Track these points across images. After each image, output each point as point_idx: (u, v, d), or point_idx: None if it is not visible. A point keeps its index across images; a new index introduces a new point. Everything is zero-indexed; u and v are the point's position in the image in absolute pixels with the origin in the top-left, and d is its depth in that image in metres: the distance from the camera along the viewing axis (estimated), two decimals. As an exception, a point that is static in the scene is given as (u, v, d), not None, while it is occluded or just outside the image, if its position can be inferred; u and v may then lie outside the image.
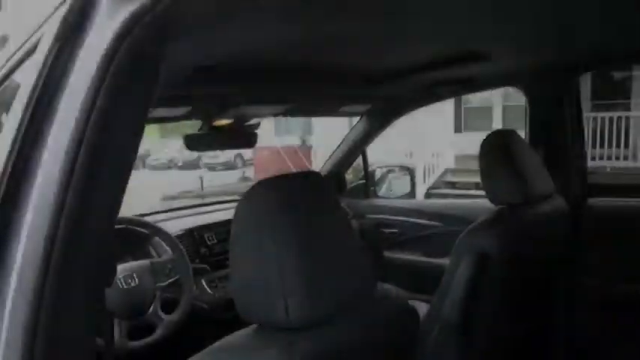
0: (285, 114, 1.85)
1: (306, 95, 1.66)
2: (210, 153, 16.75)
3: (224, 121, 1.69)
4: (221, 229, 2.04)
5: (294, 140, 13.15)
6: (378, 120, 2.21)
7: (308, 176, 0.88)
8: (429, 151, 10.08)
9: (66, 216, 0.57)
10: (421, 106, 2.12)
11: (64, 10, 0.63)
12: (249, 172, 14.27)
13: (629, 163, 8.65)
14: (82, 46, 0.61)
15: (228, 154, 17.27)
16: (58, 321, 0.58)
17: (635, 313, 1.68)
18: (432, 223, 2.27)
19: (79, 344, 0.61)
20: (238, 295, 0.80)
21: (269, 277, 0.75)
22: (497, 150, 1.45)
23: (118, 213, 0.66)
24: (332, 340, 0.79)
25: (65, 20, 0.62)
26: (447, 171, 10.28)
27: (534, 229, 1.46)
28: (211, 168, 17.12)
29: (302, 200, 0.81)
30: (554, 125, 1.79)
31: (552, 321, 1.73)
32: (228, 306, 1.91)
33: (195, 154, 16.68)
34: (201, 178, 12.22)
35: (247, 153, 15.64)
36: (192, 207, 2.45)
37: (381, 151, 5.74)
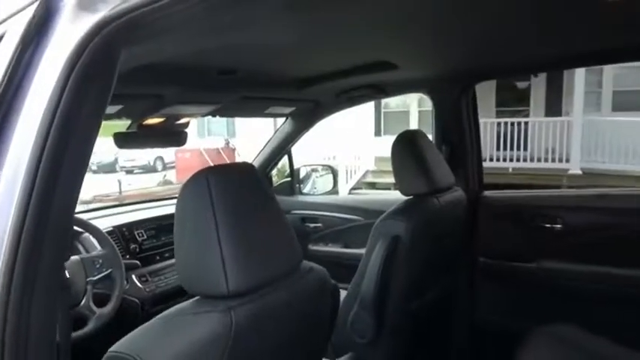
0: (215, 114, 1.94)
1: (236, 96, 1.77)
2: (127, 156, 16.06)
3: (154, 120, 1.75)
4: (151, 225, 2.08)
5: (217, 142, 13.00)
6: (303, 121, 2.37)
7: (243, 165, 1.00)
8: (350, 154, 10.51)
9: (32, 213, 0.64)
10: (341, 109, 2.31)
11: (29, 12, 0.70)
12: (171, 176, 13.86)
13: (528, 164, 9.55)
14: (46, 49, 0.69)
15: (146, 157, 16.60)
16: (25, 314, 0.65)
17: (521, 286, 1.97)
18: (353, 217, 2.47)
19: (43, 336, 0.69)
20: (183, 271, 0.91)
21: (211, 254, 0.87)
22: (407, 147, 1.66)
23: (75, 209, 0.75)
24: (265, 306, 0.92)
25: (30, 23, 0.70)
26: (367, 172, 10.77)
27: (439, 216, 1.69)
28: (129, 171, 16.38)
29: (239, 185, 0.93)
30: (455, 127, 2.05)
31: (454, 295, 1.99)
32: (158, 300, 1.97)
33: (111, 157, 15.90)
34: (119, 182, 11.70)
35: (168, 155, 15.18)
36: (113, 207, 2.45)
37: (307, 155, 5.95)
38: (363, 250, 1.65)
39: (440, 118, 2.08)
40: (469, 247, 2.01)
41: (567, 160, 9.38)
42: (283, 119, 2.45)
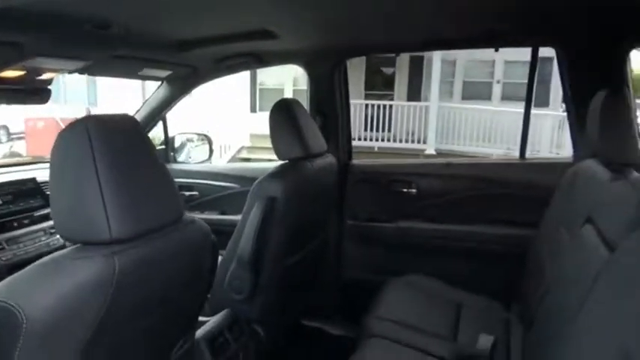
0: (83, 71, 1.82)
1: (108, 54, 1.68)
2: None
3: (12, 73, 1.59)
4: (6, 190, 1.90)
5: (75, 110, 11.80)
6: (179, 86, 2.32)
7: (125, 117, 1.00)
8: (225, 129, 10.36)
9: None
10: (219, 76, 2.31)
11: None
12: (20, 147, 12.28)
13: (391, 144, 10.37)
14: None
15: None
16: None
17: (382, 244, 2.21)
18: (230, 184, 2.51)
19: None
20: (61, 220, 0.89)
21: (92, 202, 0.86)
22: (283, 113, 1.75)
23: None
24: (148, 253, 0.94)
25: None
26: (242, 148, 10.73)
27: (312, 179, 1.82)
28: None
29: (121, 135, 0.93)
30: (328, 99, 2.20)
31: (324, 253, 2.16)
32: (15, 269, 1.81)
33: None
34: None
35: (16, 125, 13.38)
36: None
37: (179, 130, 5.74)
38: (240, 217, 1.71)
39: (314, 90, 2.21)
40: (338, 210, 2.20)
41: (424, 142, 10.39)
42: (153, 90, 2.37)
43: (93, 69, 1.83)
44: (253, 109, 11.40)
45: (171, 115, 2.53)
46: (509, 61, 10.71)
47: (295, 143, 1.74)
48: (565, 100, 1.94)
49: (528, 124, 2.19)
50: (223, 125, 10.32)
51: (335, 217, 2.19)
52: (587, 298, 1.00)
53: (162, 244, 0.98)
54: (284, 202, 1.65)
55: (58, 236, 1.82)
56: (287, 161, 1.79)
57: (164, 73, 2.18)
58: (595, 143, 1.41)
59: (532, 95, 2.20)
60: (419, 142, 10.40)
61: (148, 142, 1.03)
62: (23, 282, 0.82)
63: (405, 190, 2.20)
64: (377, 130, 10.47)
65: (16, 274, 0.83)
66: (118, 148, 0.91)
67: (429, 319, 1.69)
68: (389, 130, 10.59)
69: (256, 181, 1.69)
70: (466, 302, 1.84)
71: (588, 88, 1.61)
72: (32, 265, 0.85)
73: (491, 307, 1.85)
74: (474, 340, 1.53)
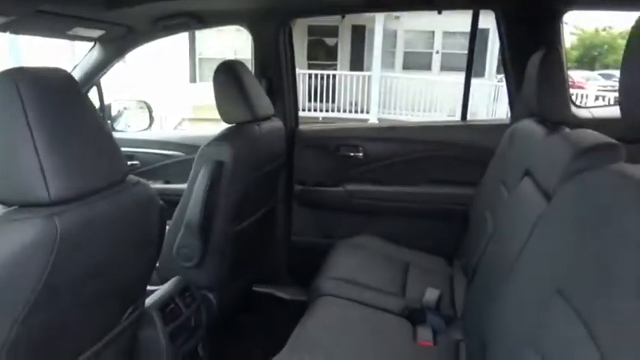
0: (4, 29, 1.66)
1: (31, 9, 1.54)
2: None
3: None
4: None
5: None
6: (113, 48, 2.18)
7: (58, 70, 0.92)
8: (163, 100, 9.93)
9: None
10: (157, 37, 2.19)
11: None
12: None
13: (335, 114, 10.41)
14: None
15: None
16: None
17: (330, 208, 2.23)
18: (173, 152, 2.42)
19: None
20: None
21: (27, 161, 0.80)
22: (228, 75, 1.69)
23: None
24: (91, 214, 0.89)
25: None
26: (182, 120, 10.36)
27: (259, 143, 1.79)
28: None
29: (55, 89, 0.86)
30: (273, 62, 2.15)
31: (273, 218, 2.16)
32: None
33: None
34: None
35: None
36: None
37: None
38: (185, 185, 1.66)
39: (259, 53, 2.15)
40: (286, 175, 2.18)
41: (367, 112, 10.51)
42: (85, 52, 2.22)
43: (16, 26, 1.68)
44: (193, 80, 11.01)
45: (105, 82, 2.39)
46: (448, 32, 10.98)
47: (241, 106, 1.70)
48: (503, 63, 2.01)
49: (469, 87, 2.25)
50: (160, 95, 9.90)
51: (283, 182, 2.18)
52: (526, 244, 1.06)
53: (107, 205, 0.93)
54: (232, 166, 1.61)
55: None
56: (233, 125, 1.74)
57: (96, 33, 2.03)
58: (531, 103, 1.48)
59: (472, 58, 2.26)
60: (362, 111, 10.50)
61: (85, 98, 0.96)
62: None
63: (351, 154, 2.21)
64: (321, 101, 10.46)
65: None
66: (52, 102, 0.85)
67: (378, 277, 1.74)
68: (333, 101, 10.60)
69: (202, 146, 1.64)
70: (413, 260, 1.91)
71: (525, 51, 1.67)
72: None
73: (436, 263, 1.93)
74: (421, 295, 1.60)
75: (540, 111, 1.44)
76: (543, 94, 1.41)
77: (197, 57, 11.03)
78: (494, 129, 1.99)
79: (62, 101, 0.88)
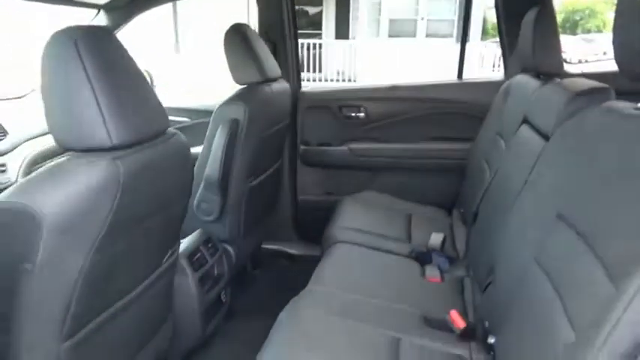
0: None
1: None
2: None
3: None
4: None
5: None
6: (117, 15, 2.22)
7: (102, 28, 1.00)
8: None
9: None
10: (160, 3, 2.23)
11: None
12: None
13: (323, 84, 10.42)
14: None
15: None
16: None
17: (334, 166, 2.34)
18: (180, 118, 2.49)
19: None
20: (59, 130, 0.91)
21: (89, 110, 0.89)
22: (238, 38, 1.76)
23: None
24: (147, 158, 0.99)
25: None
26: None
27: (270, 102, 1.88)
28: None
29: (105, 45, 0.94)
30: (276, 26, 2.21)
31: (281, 176, 2.26)
32: None
33: None
34: None
35: None
36: None
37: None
38: (195, 149, 1.74)
39: (263, 17, 2.21)
40: (291, 136, 2.28)
41: (355, 80, 10.53)
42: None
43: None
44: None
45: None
46: (433, -2, 10.96)
47: (252, 67, 1.78)
48: (498, 22, 2.10)
49: (465, 45, 2.34)
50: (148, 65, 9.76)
51: (289, 142, 2.27)
52: (527, 179, 1.19)
53: (156, 152, 1.03)
54: (246, 124, 1.70)
55: (8, 175, 1.75)
56: (245, 86, 1.82)
57: (101, 0, 2.07)
58: (526, 58, 1.58)
59: (469, 19, 2.35)
60: (349, 80, 10.52)
61: (128, 54, 1.04)
62: (32, 185, 0.84)
63: (353, 114, 2.31)
64: (308, 71, 10.43)
65: (23, 181, 0.85)
66: (105, 56, 0.93)
67: (385, 226, 1.86)
68: (320, 71, 10.59)
69: (218, 106, 1.72)
70: (415, 211, 2.04)
71: (518, 11, 1.76)
72: (38, 171, 0.87)
73: (436, 213, 2.07)
74: (425, 240, 1.73)
75: (535, 64, 1.54)
76: (539, 48, 1.51)
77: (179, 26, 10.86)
78: (489, 86, 2.10)
79: (113, 55, 0.96)
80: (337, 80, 10.49)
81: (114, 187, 0.89)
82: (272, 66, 1.90)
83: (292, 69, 2.29)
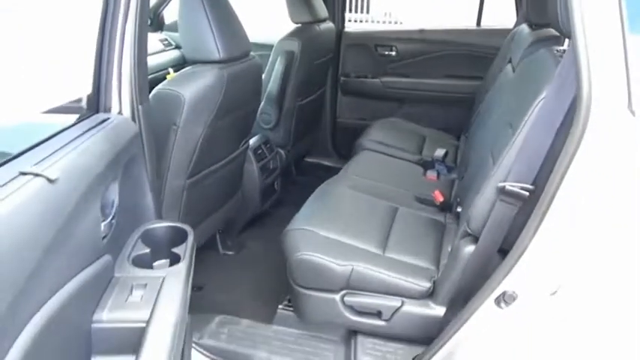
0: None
1: None
2: None
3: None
4: None
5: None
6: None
7: None
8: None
9: None
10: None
11: None
12: None
13: (370, 26, 10.57)
14: None
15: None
16: None
17: (368, 96, 2.83)
18: None
19: None
20: (188, 48, 1.46)
21: (205, 30, 1.43)
22: None
23: None
24: (237, 69, 1.54)
25: None
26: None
27: (318, 39, 2.37)
28: None
29: None
30: None
31: (323, 103, 2.79)
32: None
33: None
34: None
35: None
36: None
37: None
38: None
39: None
40: (334, 68, 2.78)
41: (401, 23, 10.61)
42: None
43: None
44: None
45: None
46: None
47: (305, 10, 2.27)
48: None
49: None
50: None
51: (331, 74, 2.78)
52: (497, 101, 1.67)
53: (245, 66, 1.58)
54: (299, 55, 2.22)
55: None
56: (299, 25, 2.32)
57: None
58: (523, 9, 1.99)
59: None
60: (396, 22, 10.61)
61: None
62: (178, 81, 1.42)
63: (386, 52, 2.77)
64: (355, 12, 10.59)
65: (172, 79, 1.42)
66: None
67: (402, 142, 2.37)
68: (367, 12, 10.72)
69: (278, 40, 2.24)
70: (429, 134, 2.53)
71: None
72: (179, 72, 1.44)
73: (446, 137, 2.55)
74: (432, 153, 2.24)
75: (527, 16, 1.95)
76: (530, 2, 1.91)
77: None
78: (500, 33, 2.49)
79: None
80: (384, 22, 10.60)
81: (220, 85, 1.45)
82: (321, 8, 2.38)
83: (338, 12, 2.75)
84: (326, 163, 2.96)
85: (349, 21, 9.29)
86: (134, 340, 0.73)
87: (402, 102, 2.80)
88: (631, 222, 0.91)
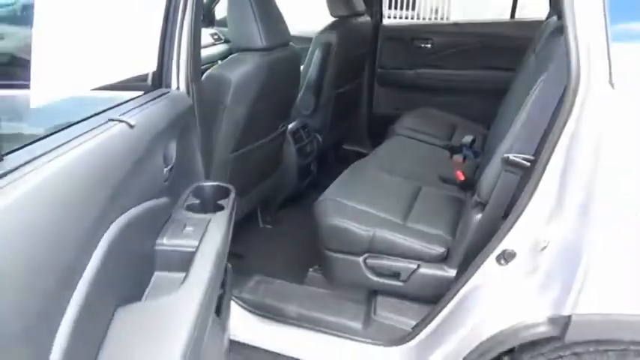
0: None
1: None
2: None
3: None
4: None
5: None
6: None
7: None
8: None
9: None
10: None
11: None
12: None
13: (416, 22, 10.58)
14: None
15: None
16: None
17: (403, 87, 2.97)
18: None
19: None
20: (234, 33, 1.67)
21: (250, 21, 1.63)
22: None
23: None
24: (277, 56, 1.74)
25: None
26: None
27: (355, 32, 2.54)
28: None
29: None
30: None
31: (360, 93, 2.95)
32: None
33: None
34: None
35: None
36: None
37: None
38: None
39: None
40: (371, 60, 2.93)
41: (448, 18, 10.56)
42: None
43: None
44: None
45: None
46: None
47: (343, 3, 2.44)
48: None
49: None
50: None
51: (368, 65, 2.93)
52: (517, 89, 1.78)
53: (285, 54, 1.78)
54: (336, 47, 2.39)
55: None
56: (337, 18, 2.50)
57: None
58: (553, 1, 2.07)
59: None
60: (442, 18, 10.57)
61: None
62: (227, 65, 1.63)
63: (422, 45, 2.90)
64: (401, 9, 10.64)
65: (223, 63, 1.64)
66: None
67: (433, 129, 2.50)
68: (412, 9, 10.74)
69: (317, 32, 2.42)
70: (460, 123, 2.64)
71: None
72: (228, 58, 1.65)
73: (476, 126, 2.65)
74: (460, 139, 2.36)
75: (557, 8, 2.04)
76: None
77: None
78: (533, 25, 2.56)
79: None
80: (430, 18, 10.59)
81: (262, 70, 1.65)
82: (358, 3, 2.54)
83: (376, 6, 2.90)
84: (362, 150, 3.11)
85: (393, 18, 9.33)
86: (186, 261, 0.94)
87: (436, 92, 2.91)
88: (615, 185, 1.02)
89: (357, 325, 1.56)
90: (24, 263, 0.57)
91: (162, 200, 1.00)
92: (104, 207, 0.74)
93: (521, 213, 1.15)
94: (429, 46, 2.88)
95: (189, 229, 1.02)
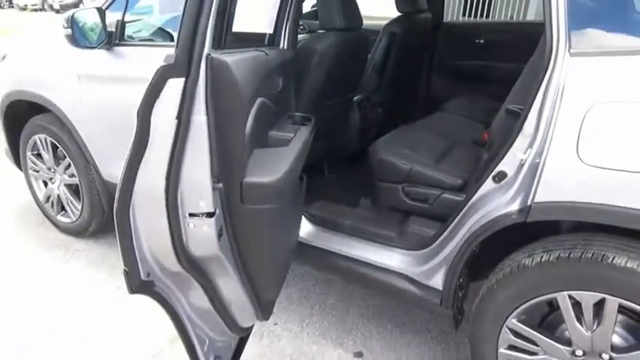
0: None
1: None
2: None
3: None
4: None
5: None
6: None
7: None
8: None
9: None
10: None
11: None
12: None
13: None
14: None
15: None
16: None
17: (458, 76, 3.46)
18: None
19: None
20: (321, 15, 2.29)
21: (334, 6, 2.22)
22: None
23: None
24: (352, 36, 2.32)
25: None
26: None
27: (417, 25, 3.08)
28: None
29: None
30: None
31: (418, 80, 3.48)
32: None
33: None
34: None
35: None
36: None
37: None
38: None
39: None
40: (431, 51, 3.45)
41: (521, 28, 10.67)
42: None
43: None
44: None
45: None
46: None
47: (408, 1, 2.99)
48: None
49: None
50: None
51: (427, 57, 3.46)
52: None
53: (356, 35, 2.36)
54: (400, 36, 2.95)
55: None
56: (402, 13, 3.05)
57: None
58: None
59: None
60: (515, 28, 10.70)
61: None
62: (313, 39, 2.25)
63: (476, 41, 3.38)
64: (475, 16, 10.89)
65: (307, 37, 2.26)
66: None
67: (475, 109, 2.98)
68: (487, 16, 10.96)
69: (385, 24, 2.99)
70: (495, 107, 3.09)
71: None
72: (314, 33, 2.27)
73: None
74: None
75: None
76: None
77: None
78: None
79: None
80: (503, 26, 10.75)
81: (337, 44, 2.24)
82: (421, 2, 3.08)
83: (438, 5, 3.42)
84: None
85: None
86: (286, 143, 1.57)
87: (486, 82, 3.38)
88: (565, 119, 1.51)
89: (393, 234, 2.11)
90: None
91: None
92: (256, 87, 1.39)
93: (512, 144, 1.65)
94: (481, 42, 3.36)
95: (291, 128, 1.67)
